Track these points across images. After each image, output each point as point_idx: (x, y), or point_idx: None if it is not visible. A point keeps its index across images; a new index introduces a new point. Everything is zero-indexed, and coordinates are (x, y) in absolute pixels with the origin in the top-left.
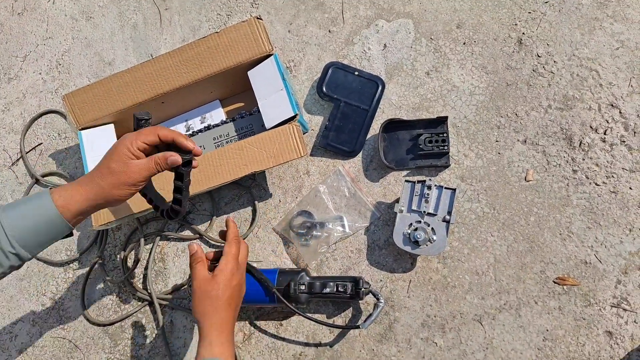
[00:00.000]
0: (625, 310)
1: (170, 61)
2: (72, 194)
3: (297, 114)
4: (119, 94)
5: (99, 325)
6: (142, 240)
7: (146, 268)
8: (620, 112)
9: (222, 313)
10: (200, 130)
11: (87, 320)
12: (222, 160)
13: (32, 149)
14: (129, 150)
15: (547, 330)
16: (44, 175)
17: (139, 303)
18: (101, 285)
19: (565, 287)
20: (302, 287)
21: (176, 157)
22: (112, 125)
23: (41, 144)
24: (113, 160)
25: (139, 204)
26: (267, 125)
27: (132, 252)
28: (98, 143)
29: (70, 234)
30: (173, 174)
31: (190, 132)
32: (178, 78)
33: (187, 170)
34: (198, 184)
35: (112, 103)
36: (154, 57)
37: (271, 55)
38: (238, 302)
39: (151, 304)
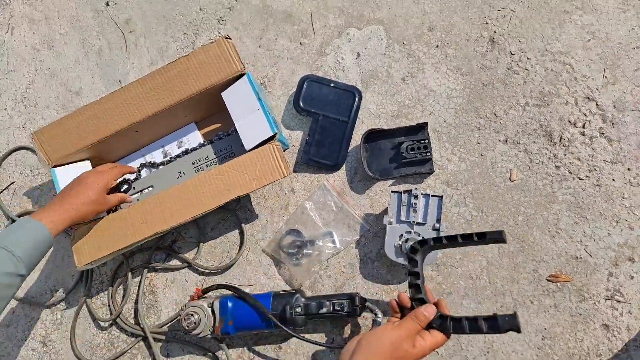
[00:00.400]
0: (619, 302)
1: (140, 89)
2: (59, 216)
3: (276, 133)
4: (90, 127)
5: None
6: (130, 274)
7: (136, 302)
8: (597, 104)
9: None
10: (178, 155)
11: None
12: (204, 186)
13: (4, 189)
14: (105, 187)
15: (545, 328)
16: (19, 216)
17: (133, 339)
18: (91, 324)
19: (558, 284)
20: (298, 310)
21: (128, 196)
22: (88, 162)
23: (14, 182)
24: (94, 194)
25: (121, 239)
26: (247, 146)
27: (120, 287)
28: None
29: None
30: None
31: (168, 157)
32: (150, 106)
33: (418, 282)
34: (181, 213)
35: (84, 137)
36: (123, 86)
37: (244, 74)
38: None
39: (145, 338)
